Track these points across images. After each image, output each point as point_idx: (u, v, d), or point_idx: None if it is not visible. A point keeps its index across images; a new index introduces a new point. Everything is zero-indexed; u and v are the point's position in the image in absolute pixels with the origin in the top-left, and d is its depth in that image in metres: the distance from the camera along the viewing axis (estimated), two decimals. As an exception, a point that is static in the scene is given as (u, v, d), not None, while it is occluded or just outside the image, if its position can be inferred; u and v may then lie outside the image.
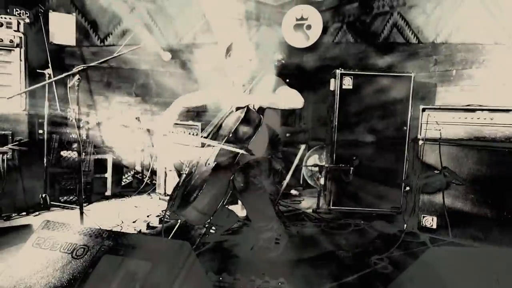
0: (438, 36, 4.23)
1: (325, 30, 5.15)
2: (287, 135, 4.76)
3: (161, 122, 2.91)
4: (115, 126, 4.70)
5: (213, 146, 2.50)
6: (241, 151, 2.38)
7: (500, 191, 2.79)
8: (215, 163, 2.44)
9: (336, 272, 2.45)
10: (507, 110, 2.82)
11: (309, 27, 5.06)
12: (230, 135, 2.47)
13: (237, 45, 2.86)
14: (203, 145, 2.62)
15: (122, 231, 3.05)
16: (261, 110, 2.63)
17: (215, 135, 2.65)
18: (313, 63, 5.39)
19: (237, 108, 2.58)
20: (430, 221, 3.04)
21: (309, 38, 5.08)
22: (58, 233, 1.61)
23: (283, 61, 2.89)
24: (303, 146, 3.49)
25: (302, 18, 5.08)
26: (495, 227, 2.79)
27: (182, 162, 2.69)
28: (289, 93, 2.69)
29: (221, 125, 2.67)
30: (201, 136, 2.66)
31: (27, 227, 3.10)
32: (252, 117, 2.52)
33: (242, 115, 2.48)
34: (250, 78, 2.83)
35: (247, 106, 2.51)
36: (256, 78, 2.80)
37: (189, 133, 3.94)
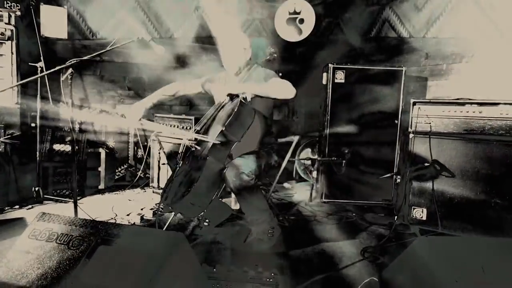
0: (429, 30, 4.28)
1: (317, 24, 5.17)
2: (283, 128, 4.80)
3: (134, 107, 2.86)
4: (108, 119, 4.69)
5: (206, 139, 2.51)
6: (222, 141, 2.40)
7: (488, 183, 2.85)
8: (208, 156, 2.46)
9: (328, 263, 2.49)
10: (495, 104, 2.87)
11: (301, 21, 5.07)
12: (224, 127, 2.48)
13: (231, 34, 2.89)
14: (197, 141, 2.62)
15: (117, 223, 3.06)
16: (255, 103, 2.65)
17: (209, 127, 2.67)
18: (305, 57, 5.40)
19: (230, 96, 2.59)
20: (420, 213, 3.10)
21: (302, 32, 5.10)
22: (54, 224, 1.63)
23: (275, 55, 2.92)
24: (296, 138, 3.51)
25: (295, 12, 5.09)
26: (483, 218, 2.85)
27: (176, 155, 2.70)
28: (281, 83, 2.71)
29: (214, 118, 2.69)
30: (195, 130, 2.67)
31: (20, 220, 3.11)
32: (246, 110, 2.53)
33: (236, 108, 2.49)
34: (243, 67, 2.86)
35: (241, 100, 2.52)
36: (249, 70, 2.82)
37: (182, 127, 3.96)
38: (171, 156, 2.79)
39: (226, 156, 2.55)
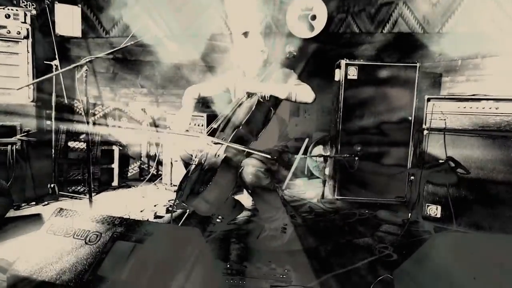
0: (444, 25, 4.22)
1: (330, 21, 5.13)
2: (296, 125, 4.78)
3: (179, 120, 2.94)
4: (122, 118, 4.73)
5: (223, 137, 2.52)
6: (246, 149, 2.41)
7: (504, 180, 2.80)
8: (225, 154, 2.46)
9: (342, 260, 2.49)
10: (512, 100, 2.82)
11: (314, 17, 5.04)
12: (241, 126, 2.48)
13: (249, 36, 2.85)
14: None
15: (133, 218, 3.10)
16: (273, 102, 2.64)
17: (226, 125, 2.67)
18: (318, 54, 5.37)
19: (248, 94, 2.58)
20: (435, 210, 3.07)
21: (314, 28, 5.07)
22: (71, 220, 1.66)
23: (294, 53, 2.90)
24: (307, 139, 3.51)
25: (307, 9, 5.06)
26: (499, 216, 2.81)
27: (191, 154, 2.72)
28: (301, 87, 2.67)
29: (232, 115, 2.68)
30: (211, 127, 2.68)
31: (36, 216, 3.16)
32: (263, 109, 2.53)
33: (254, 106, 2.49)
34: (262, 69, 2.84)
35: (259, 99, 2.52)
36: (268, 70, 2.81)
37: (195, 124, 3.97)
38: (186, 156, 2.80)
39: (242, 154, 2.55)
